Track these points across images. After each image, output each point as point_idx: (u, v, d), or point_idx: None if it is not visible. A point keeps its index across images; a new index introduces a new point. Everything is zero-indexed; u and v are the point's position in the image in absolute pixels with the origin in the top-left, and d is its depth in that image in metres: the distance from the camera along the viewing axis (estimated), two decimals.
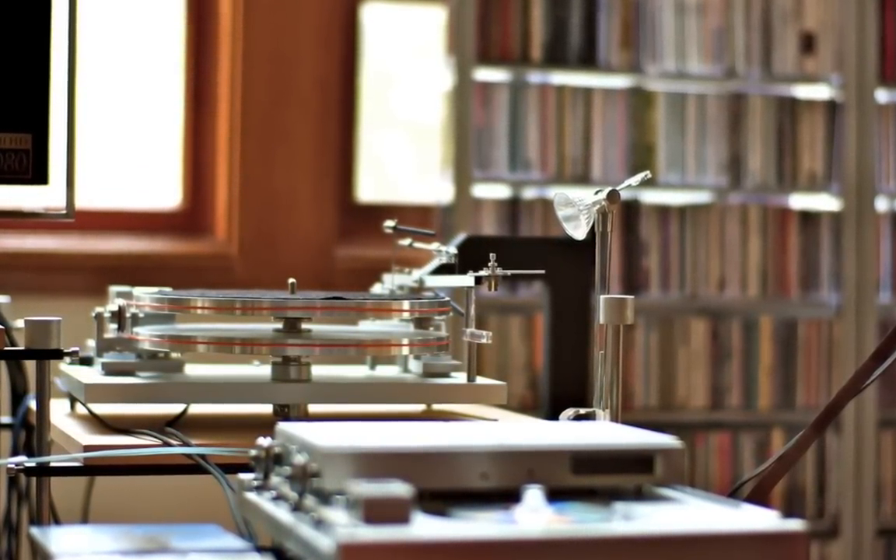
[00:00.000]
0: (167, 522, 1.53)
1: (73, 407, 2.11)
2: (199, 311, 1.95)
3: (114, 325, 2.00)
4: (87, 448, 1.77)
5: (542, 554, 1.23)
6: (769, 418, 3.57)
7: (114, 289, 2.11)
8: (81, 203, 2.10)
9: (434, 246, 2.16)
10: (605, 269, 1.77)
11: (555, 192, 1.87)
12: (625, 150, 3.50)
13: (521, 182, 3.43)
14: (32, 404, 1.89)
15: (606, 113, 3.49)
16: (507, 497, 1.36)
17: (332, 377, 2.03)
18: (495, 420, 2.02)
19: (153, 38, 3.50)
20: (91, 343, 2.07)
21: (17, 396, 2.35)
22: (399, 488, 1.25)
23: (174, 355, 2.00)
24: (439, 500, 1.36)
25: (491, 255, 1.98)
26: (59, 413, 2.05)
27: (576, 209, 1.80)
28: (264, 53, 3.38)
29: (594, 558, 1.25)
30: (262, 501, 1.41)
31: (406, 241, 2.19)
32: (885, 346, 1.81)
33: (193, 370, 2.06)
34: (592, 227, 1.79)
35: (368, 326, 2.19)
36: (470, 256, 2.14)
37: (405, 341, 2.01)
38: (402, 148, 3.73)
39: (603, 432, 1.56)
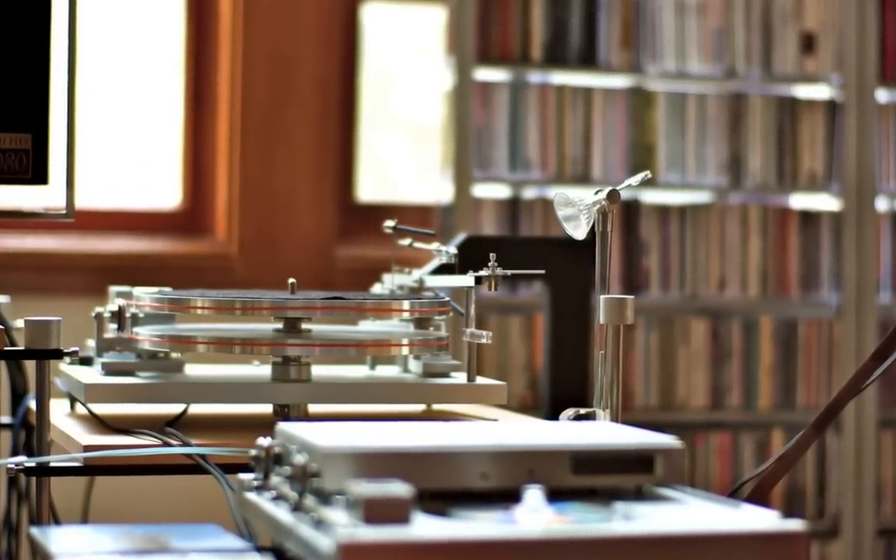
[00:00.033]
0: (167, 522, 1.53)
1: (72, 407, 2.11)
2: (199, 311, 1.95)
3: (114, 325, 2.00)
4: (87, 448, 1.77)
5: (542, 554, 1.23)
6: (769, 418, 3.57)
7: (114, 289, 2.11)
8: (81, 203, 2.10)
9: (434, 246, 2.16)
10: (605, 269, 1.77)
11: (555, 192, 1.87)
12: (625, 150, 3.50)
13: (521, 182, 3.43)
14: (32, 404, 1.89)
15: (606, 113, 3.49)
16: (508, 497, 1.36)
17: (332, 377, 2.03)
18: (495, 420, 2.02)
19: (153, 38, 3.50)
20: (91, 343, 2.07)
21: (17, 396, 2.35)
22: (399, 488, 1.25)
23: (174, 355, 2.00)
24: (439, 500, 1.36)
25: (491, 255, 1.98)
26: (59, 413, 2.05)
27: (576, 209, 1.80)
28: (264, 53, 3.38)
29: (594, 558, 1.25)
30: (262, 501, 1.41)
31: (406, 241, 2.19)
32: (885, 346, 1.81)
33: (193, 370, 2.06)
34: (592, 227, 1.79)
35: (368, 326, 2.19)
36: (470, 256, 2.14)
37: (405, 341, 2.01)
38: (402, 148, 3.73)
39: (603, 432, 1.56)
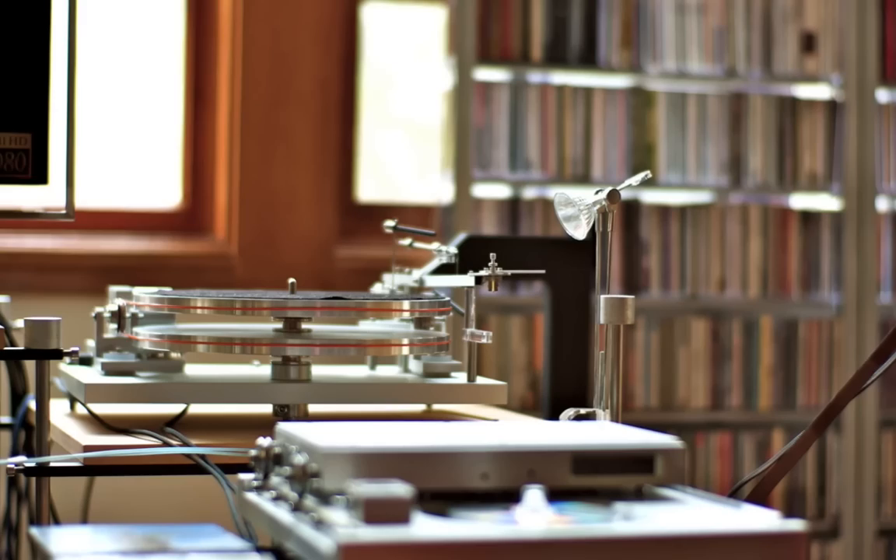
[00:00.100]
0: (167, 522, 1.53)
1: (72, 407, 2.11)
2: (199, 311, 1.95)
3: (113, 325, 2.00)
4: (87, 448, 1.77)
5: (542, 554, 1.23)
6: (770, 418, 3.57)
7: (113, 289, 2.11)
8: (81, 203, 2.10)
9: (434, 246, 2.16)
10: (605, 269, 1.77)
11: (555, 192, 1.87)
12: (625, 150, 3.49)
13: (521, 182, 3.43)
14: (32, 404, 1.90)
15: (607, 113, 3.48)
16: (508, 497, 1.36)
17: (332, 377, 2.03)
18: (496, 420, 2.02)
19: (153, 38, 3.50)
20: (91, 343, 2.07)
21: (17, 396, 2.35)
22: (399, 488, 1.25)
23: (174, 355, 2.00)
24: (439, 501, 1.36)
25: (491, 254, 1.97)
26: (59, 413, 2.05)
27: (576, 209, 1.80)
28: (264, 53, 3.38)
29: (594, 558, 1.25)
30: (262, 501, 1.41)
31: (406, 241, 2.19)
32: (885, 347, 1.81)
33: (193, 370, 2.06)
34: (593, 227, 1.78)
35: (368, 326, 2.19)
36: (470, 256, 2.14)
37: (405, 341, 2.01)
38: (402, 148, 3.73)
39: (603, 432, 1.55)
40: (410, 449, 1.38)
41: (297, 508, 1.34)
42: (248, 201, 3.37)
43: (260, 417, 2.02)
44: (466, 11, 3.33)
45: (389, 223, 2.18)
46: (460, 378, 2.04)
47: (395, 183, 3.71)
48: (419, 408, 2.16)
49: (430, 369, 2.06)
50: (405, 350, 2.04)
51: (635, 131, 3.50)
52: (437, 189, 3.41)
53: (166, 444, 1.79)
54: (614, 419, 1.73)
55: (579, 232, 1.80)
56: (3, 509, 2.39)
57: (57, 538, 1.41)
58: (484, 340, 1.95)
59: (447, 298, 2.07)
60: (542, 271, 2.15)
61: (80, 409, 2.07)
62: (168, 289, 2.04)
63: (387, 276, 2.23)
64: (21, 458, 1.77)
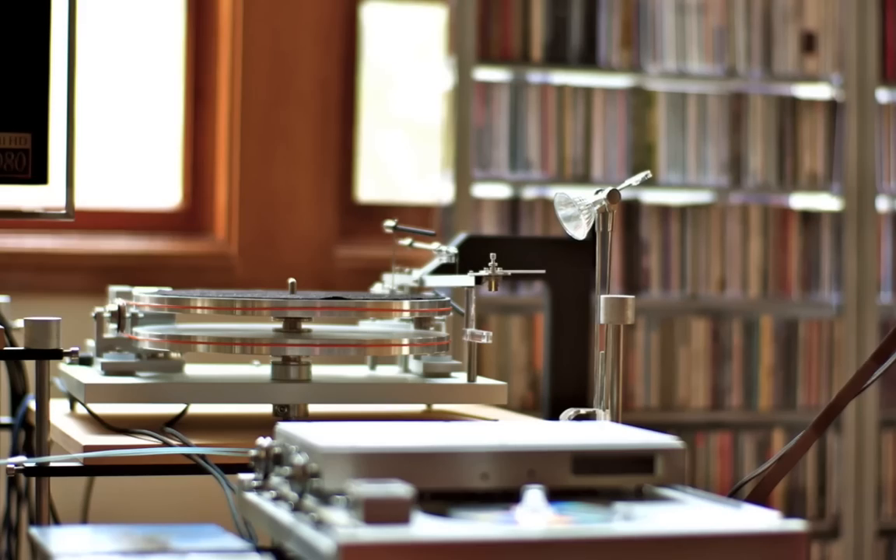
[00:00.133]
0: (167, 522, 1.53)
1: (72, 407, 2.11)
2: (198, 311, 1.95)
3: (113, 325, 2.00)
4: (87, 448, 1.77)
5: (542, 554, 1.23)
6: (770, 418, 3.57)
7: (113, 289, 2.11)
8: (81, 203, 2.10)
9: (434, 246, 2.16)
10: (605, 269, 1.77)
11: (555, 192, 1.87)
12: (625, 150, 3.49)
13: (521, 182, 3.43)
14: (32, 404, 1.89)
15: (607, 112, 3.48)
16: (508, 497, 1.36)
17: (332, 377, 2.03)
18: (496, 420, 2.02)
19: (153, 38, 3.50)
20: (91, 343, 2.07)
21: (17, 396, 2.35)
22: (399, 488, 1.25)
23: (174, 355, 2.00)
24: (439, 501, 1.36)
25: (491, 254, 1.97)
26: (59, 413, 2.05)
27: (576, 209, 1.79)
28: (264, 53, 3.37)
29: (594, 558, 1.24)
30: (262, 501, 1.41)
31: (406, 241, 2.19)
32: (885, 347, 1.81)
33: (193, 370, 2.06)
34: (593, 227, 1.78)
35: (368, 326, 2.19)
36: (470, 256, 2.14)
37: (405, 341, 2.01)
38: (402, 148, 3.73)
39: (603, 432, 1.55)
40: (410, 449, 1.37)
41: (297, 508, 1.34)
42: (248, 201, 3.37)
43: (260, 417, 2.02)
44: (466, 11, 3.33)
45: (389, 223, 2.18)
46: (460, 378, 2.04)
47: (395, 183, 3.70)
48: (419, 408, 2.15)
49: (430, 369, 2.06)
50: (405, 350, 2.04)
51: (635, 131, 3.50)
52: (437, 189, 3.41)
53: (166, 444, 1.79)
54: (614, 419, 1.73)
55: (579, 232, 1.80)
56: (3, 509, 2.38)
57: (57, 538, 1.41)
58: (484, 340, 1.95)
59: (447, 298, 2.07)
60: (542, 271, 2.15)
61: (80, 409, 2.07)
62: (168, 289, 2.04)
63: (387, 276, 2.23)
64: (21, 458, 1.77)
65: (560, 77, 3.47)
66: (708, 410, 3.52)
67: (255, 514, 1.43)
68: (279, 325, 1.98)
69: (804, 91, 3.62)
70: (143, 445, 1.79)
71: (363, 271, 3.24)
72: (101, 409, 1.99)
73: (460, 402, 2.11)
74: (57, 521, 2.09)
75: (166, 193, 3.49)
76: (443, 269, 2.18)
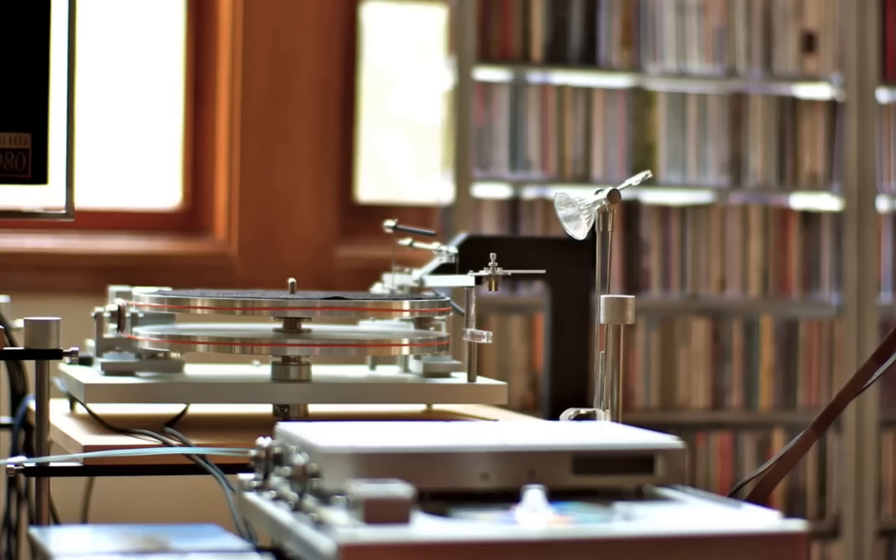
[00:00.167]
0: (167, 522, 1.53)
1: (72, 407, 2.11)
2: (198, 311, 1.95)
3: (113, 325, 2.00)
4: (87, 448, 1.77)
5: (542, 554, 1.23)
6: (770, 418, 3.57)
7: (113, 289, 2.11)
8: (81, 203, 2.10)
9: (434, 246, 2.16)
10: (605, 269, 1.76)
11: (555, 192, 1.87)
12: (625, 150, 3.49)
13: (521, 182, 3.43)
14: (32, 404, 1.89)
15: (607, 112, 3.48)
16: (508, 497, 1.36)
17: (332, 377, 2.03)
18: (496, 420, 2.01)
19: (153, 38, 3.50)
20: (91, 343, 2.07)
21: (17, 396, 2.35)
22: (399, 488, 1.25)
23: (174, 355, 2.00)
24: (440, 501, 1.36)
25: (491, 254, 1.97)
26: (59, 413, 2.05)
27: (576, 209, 1.79)
28: (264, 53, 3.37)
29: (594, 558, 1.24)
30: (262, 502, 1.41)
31: (406, 241, 2.19)
32: (886, 347, 1.81)
33: (193, 370, 2.06)
34: (593, 227, 1.78)
35: (368, 326, 2.19)
36: (470, 256, 2.13)
37: (405, 341, 2.01)
38: (402, 148, 3.73)
39: (603, 432, 1.55)
40: (410, 449, 1.37)
41: (297, 508, 1.34)
42: (248, 201, 3.37)
43: (260, 417, 2.01)
44: (466, 11, 3.33)
45: (389, 223, 2.18)
46: (460, 378, 2.04)
47: (395, 183, 3.70)
48: (419, 408, 2.15)
49: (430, 369, 2.06)
50: (405, 350, 2.04)
51: (635, 131, 3.50)
52: (437, 189, 3.41)
53: (166, 444, 1.79)
54: (614, 419, 1.73)
55: (579, 232, 1.80)
56: (3, 509, 2.38)
57: (57, 538, 1.41)
58: (484, 340, 1.95)
59: (447, 298, 2.07)
60: (542, 271, 2.15)
61: (79, 409, 2.07)
62: (168, 289, 2.04)
63: (387, 276, 2.23)
64: (21, 458, 1.77)
65: (560, 77, 3.47)
66: (708, 410, 3.52)
67: (255, 514, 1.43)
68: (279, 325, 1.98)
69: (804, 91, 3.62)
70: (143, 445, 1.79)
71: (363, 271, 3.24)
72: (101, 409, 1.98)
73: (460, 402, 2.11)
74: (57, 521, 2.09)
75: (166, 193, 3.49)
76: (443, 269, 2.18)
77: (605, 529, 1.27)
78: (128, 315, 1.97)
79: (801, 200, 3.64)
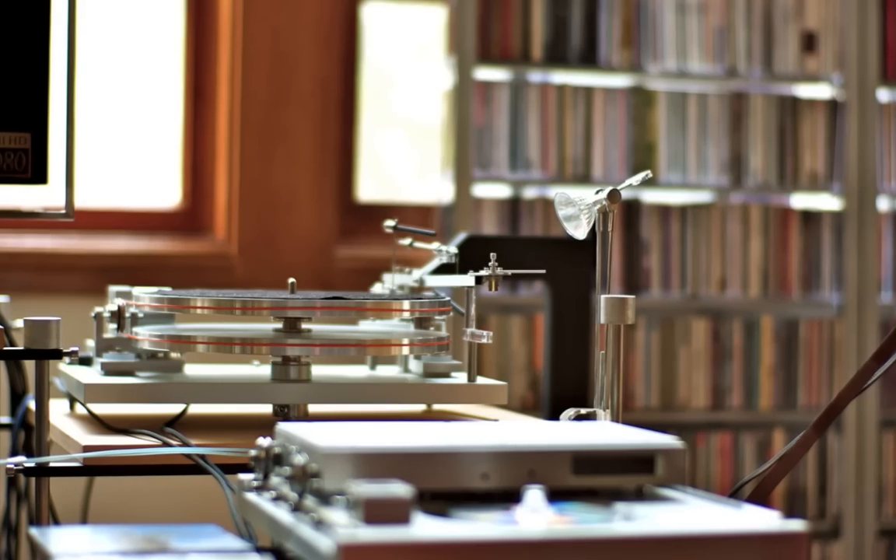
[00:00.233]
0: (167, 522, 1.52)
1: (72, 407, 2.11)
2: (198, 311, 1.95)
3: (113, 325, 2.00)
4: (87, 448, 1.77)
5: (542, 554, 1.23)
6: (770, 418, 3.57)
7: (113, 289, 2.11)
8: (81, 202, 2.10)
9: (434, 246, 2.16)
10: (605, 269, 1.76)
11: (555, 192, 1.87)
12: (626, 150, 3.49)
13: (521, 182, 3.43)
14: (32, 404, 1.89)
15: (607, 112, 3.48)
16: (508, 497, 1.36)
17: (332, 377, 2.03)
18: (496, 420, 2.01)
19: (153, 37, 3.50)
20: (90, 343, 2.07)
21: (17, 396, 2.35)
22: (399, 489, 1.25)
23: (174, 355, 2.00)
24: (440, 501, 1.36)
25: (491, 254, 1.97)
26: (59, 413, 2.05)
27: (576, 209, 1.79)
28: (264, 53, 3.37)
29: (595, 559, 1.24)
30: (262, 502, 1.41)
31: (406, 241, 2.19)
32: (886, 347, 1.81)
33: (193, 370, 2.06)
34: (593, 227, 1.78)
35: (368, 326, 2.19)
36: (470, 256, 2.13)
37: (405, 341, 2.01)
38: (402, 148, 3.73)
39: (604, 432, 1.55)
40: (410, 449, 1.37)
41: (297, 508, 1.34)
42: (248, 201, 3.37)
43: (260, 417, 2.01)
44: (466, 11, 3.33)
45: (389, 223, 2.17)
46: (460, 378, 2.04)
47: (395, 183, 3.70)
48: (419, 408, 2.15)
49: (430, 369, 2.06)
50: (405, 350, 2.04)
51: (636, 131, 3.50)
52: (437, 189, 3.41)
53: (166, 444, 1.79)
54: (615, 419, 1.73)
55: (580, 232, 1.79)
56: (3, 509, 2.38)
57: (57, 538, 1.41)
58: (484, 340, 1.95)
59: (447, 298, 2.07)
60: (543, 271, 2.15)
61: (79, 409, 2.07)
62: (168, 289, 2.04)
63: (387, 276, 2.23)
64: (20, 459, 1.77)
65: (560, 77, 3.47)
66: (708, 410, 3.52)
67: (255, 514, 1.43)
68: (279, 325, 1.98)
69: (805, 91, 3.62)
70: (143, 445, 1.79)
71: (363, 271, 3.24)
72: (101, 409, 1.98)
73: (460, 402, 2.11)
74: (57, 522, 2.08)
75: (166, 193, 3.48)
76: (443, 269, 2.18)
77: (606, 529, 1.27)
78: (128, 315, 1.97)
79: (801, 200, 3.64)
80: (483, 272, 1.96)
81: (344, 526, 1.24)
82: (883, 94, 3.63)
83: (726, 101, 3.56)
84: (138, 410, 2.03)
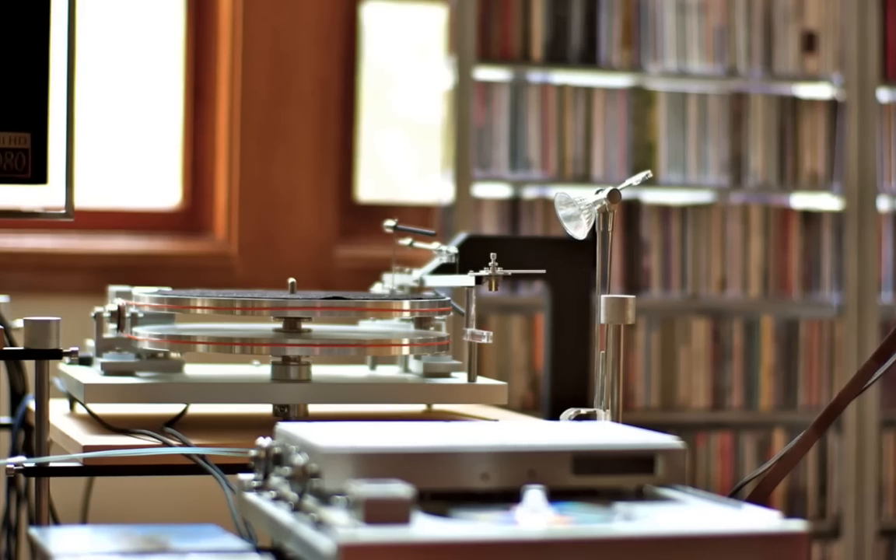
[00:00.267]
0: (167, 522, 1.52)
1: (72, 407, 2.11)
2: (198, 311, 1.94)
3: (113, 325, 2.00)
4: (87, 448, 1.77)
5: (542, 554, 1.23)
6: (770, 418, 3.57)
7: (113, 288, 2.10)
8: (81, 202, 2.10)
9: (434, 245, 2.15)
10: (606, 269, 1.76)
11: (555, 192, 1.87)
12: (626, 150, 3.49)
13: (521, 181, 3.43)
14: (31, 404, 1.89)
15: (607, 112, 3.48)
16: (508, 497, 1.36)
17: (332, 377, 2.03)
18: (496, 420, 2.01)
19: (153, 37, 3.50)
20: (90, 343, 2.07)
21: (17, 396, 2.35)
22: (399, 489, 1.25)
23: (174, 355, 1.99)
24: (440, 501, 1.36)
25: (491, 254, 1.97)
26: (59, 413, 2.05)
27: (577, 208, 1.79)
28: (264, 52, 3.37)
29: (595, 559, 1.24)
30: (262, 502, 1.41)
31: (406, 241, 2.19)
32: (886, 346, 1.81)
33: (193, 370, 2.06)
34: (593, 227, 1.78)
35: (368, 326, 2.19)
36: (470, 256, 2.13)
37: (405, 341, 2.01)
38: (402, 148, 3.73)
39: (604, 432, 1.55)
40: (410, 449, 1.37)
41: (297, 509, 1.34)
42: (248, 201, 3.37)
43: (260, 417, 2.01)
44: (467, 11, 3.33)
45: (389, 223, 2.17)
46: (460, 378, 2.04)
47: (395, 183, 3.70)
48: (419, 408, 2.15)
49: (430, 369, 2.06)
50: (405, 350, 2.04)
51: (636, 131, 3.50)
52: (437, 189, 3.41)
53: (166, 444, 1.79)
54: (615, 419, 1.73)
55: (580, 232, 1.79)
56: (3, 510, 2.38)
57: (56, 538, 1.41)
58: (484, 340, 1.95)
59: (447, 298, 2.07)
60: (543, 271, 2.15)
61: (79, 409, 2.07)
62: (168, 289, 2.04)
63: (387, 276, 2.23)
64: (20, 459, 1.77)
65: (560, 77, 3.47)
66: (708, 410, 3.52)
67: (255, 515, 1.42)
68: (279, 325, 1.98)
69: (805, 91, 3.62)
70: (142, 445, 1.79)
71: (363, 271, 3.24)
72: (101, 409, 1.98)
73: (460, 402, 2.10)
74: (56, 522, 2.08)
75: (166, 193, 3.48)
76: (443, 269, 2.18)
77: (606, 529, 1.27)
78: (128, 315, 1.97)
79: (801, 200, 3.64)
80: (483, 272, 1.96)
81: (344, 526, 1.24)
82: (883, 94, 3.63)
83: (726, 101, 3.56)
84: (138, 410, 2.03)
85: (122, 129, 3.48)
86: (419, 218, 3.27)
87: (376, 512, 1.23)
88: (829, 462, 3.59)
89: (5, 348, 1.83)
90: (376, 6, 3.61)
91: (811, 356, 3.59)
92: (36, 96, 1.96)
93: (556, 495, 1.37)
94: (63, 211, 1.97)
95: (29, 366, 1.91)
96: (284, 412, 1.93)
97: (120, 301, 1.98)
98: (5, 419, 2.35)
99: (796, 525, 1.29)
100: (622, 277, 3.48)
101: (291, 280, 2.02)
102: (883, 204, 3.65)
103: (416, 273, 2.20)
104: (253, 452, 1.44)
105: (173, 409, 2.00)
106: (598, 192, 1.78)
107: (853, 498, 3.57)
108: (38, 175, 1.96)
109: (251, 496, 1.44)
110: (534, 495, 1.31)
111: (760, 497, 1.77)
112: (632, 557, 1.25)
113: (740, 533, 1.29)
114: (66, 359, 1.81)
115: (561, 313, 2.62)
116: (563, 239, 2.09)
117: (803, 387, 3.59)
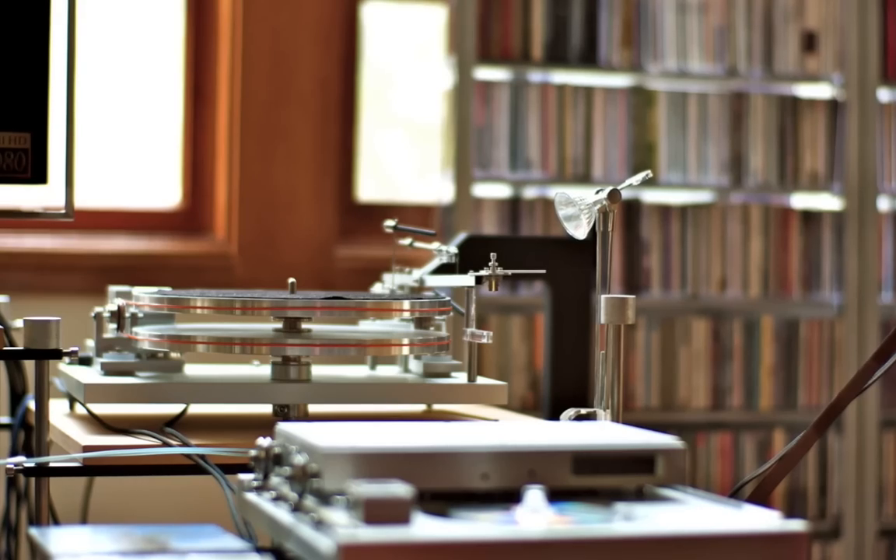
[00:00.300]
0: (167, 522, 1.52)
1: (72, 407, 2.11)
2: (198, 311, 1.94)
3: (113, 325, 2.00)
4: (86, 448, 1.77)
5: (542, 554, 1.23)
6: (770, 418, 3.57)
7: (113, 288, 2.10)
8: (80, 202, 2.10)
9: (434, 245, 2.15)
10: (606, 269, 1.76)
11: (556, 192, 1.87)
12: (626, 150, 3.49)
13: (521, 181, 3.43)
14: (31, 404, 1.89)
15: (607, 112, 3.48)
16: (508, 497, 1.36)
17: (332, 377, 2.03)
18: (496, 420, 2.01)
19: (153, 37, 3.49)
20: (90, 343, 2.07)
21: (17, 396, 2.35)
22: (399, 489, 1.25)
23: (174, 355, 1.99)
24: (440, 501, 1.36)
25: (491, 254, 1.97)
26: (59, 413, 2.05)
27: (577, 208, 1.79)
28: (264, 52, 3.37)
29: (595, 559, 1.24)
30: (262, 502, 1.41)
31: (406, 241, 2.19)
32: (886, 346, 1.81)
33: (193, 370, 2.06)
34: (593, 227, 1.78)
35: (369, 326, 2.19)
36: (470, 256, 2.13)
37: (406, 341, 2.01)
38: (402, 148, 3.73)
39: (604, 432, 1.55)
40: (410, 449, 1.37)
41: (297, 509, 1.34)
42: (248, 201, 3.37)
43: (260, 417, 2.01)
44: (467, 11, 3.33)
45: (389, 223, 2.17)
46: (460, 378, 2.04)
47: (395, 183, 3.70)
48: (419, 408, 2.15)
49: (431, 369, 2.06)
50: (405, 350, 2.04)
51: (636, 131, 3.50)
52: (437, 189, 3.41)
53: (166, 444, 1.79)
54: (615, 419, 1.73)
55: (580, 232, 1.79)
56: (3, 510, 2.38)
57: (56, 538, 1.41)
58: (484, 340, 1.95)
59: (447, 298, 2.07)
60: (543, 271, 2.15)
61: (79, 409, 2.07)
62: (168, 289, 2.04)
63: (387, 276, 2.23)
64: (20, 459, 1.77)
65: (560, 76, 3.47)
66: (708, 410, 3.52)
67: (255, 515, 1.42)
68: (279, 325, 1.98)
69: (805, 90, 3.62)
70: (142, 445, 1.78)
71: (363, 271, 3.24)
72: (101, 409, 1.98)
73: (460, 402, 2.10)
74: (56, 522, 2.08)
75: (166, 193, 3.48)
76: (443, 269, 2.18)
77: (606, 529, 1.27)
78: (127, 315, 1.97)
79: (801, 200, 3.64)
80: (483, 272, 1.96)
81: (344, 526, 1.24)
82: (883, 94, 3.63)
83: (726, 100, 3.56)
84: (138, 410, 2.03)
85: (122, 129, 3.48)
86: (419, 218, 3.27)
87: (376, 512, 1.23)
88: (830, 462, 3.59)
89: (5, 348, 1.83)
90: (376, 6, 3.61)
91: (811, 356, 3.59)
92: (36, 96, 1.96)
93: (556, 495, 1.37)
94: (63, 211, 1.97)
95: (29, 366, 1.91)
96: (284, 412, 1.93)
97: (120, 301, 1.98)
98: (5, 419, 2.35)
99: (796, 525, 1.29)
100: (622, 277, 3.48)
101: (291, 280, 2.02)
102: (883, 204, 3.65)
103: (416, 273, 2.20)
104: (253, 452, 1.44)
105: (173, 409, 2.00)
106: (598, 192, 1.78)
107: (853, 498, 3.57)
108: (38, 175, 1.96)
109: (251, 496, 1.44)
110: (534, 495, 1.31)
111: (760, 497, 1.77)
112: (632, 557, 1.25)
113: (740, 533, 1.29)
114: (66, 359, 1.81)
115: (561, 313, 2.62)
116: (563, 239, 2.09)
117: (803, 387, 3.59)
